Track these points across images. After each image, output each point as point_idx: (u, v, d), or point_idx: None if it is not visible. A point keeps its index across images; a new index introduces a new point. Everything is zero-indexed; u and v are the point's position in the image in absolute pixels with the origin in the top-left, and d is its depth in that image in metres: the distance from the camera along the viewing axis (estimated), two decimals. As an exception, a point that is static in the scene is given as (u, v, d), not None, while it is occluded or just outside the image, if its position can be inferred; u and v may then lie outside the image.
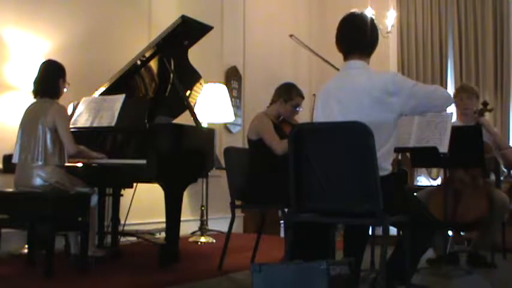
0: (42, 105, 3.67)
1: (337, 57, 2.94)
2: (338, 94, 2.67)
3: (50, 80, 3.74)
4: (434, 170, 6.80)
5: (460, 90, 4.28)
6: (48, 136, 3.58)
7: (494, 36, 6.92)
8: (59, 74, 3.76)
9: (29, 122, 3.66)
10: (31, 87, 3.80)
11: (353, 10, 2.79)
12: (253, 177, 3.73)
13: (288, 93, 3.91)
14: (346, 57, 2.76)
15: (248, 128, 3.99)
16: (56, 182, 3.57)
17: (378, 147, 2.42)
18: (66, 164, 3.69)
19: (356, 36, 2.73)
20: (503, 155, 4.13)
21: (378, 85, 2.58)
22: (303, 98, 3.98)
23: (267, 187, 3.60)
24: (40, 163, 3.56)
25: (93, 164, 3.80)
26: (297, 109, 3.95)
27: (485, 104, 4.15)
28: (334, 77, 2.83)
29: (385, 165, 2.59)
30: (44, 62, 3.85)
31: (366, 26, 2.73)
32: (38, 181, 3.56)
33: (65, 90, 3.84)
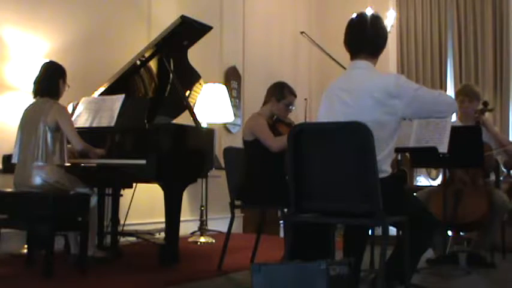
0: (42, 105, 3.67)
1: (338, 57, 2.94)
2: (341, 94, 2.67)
3: (51, 80, 3.74)
4: (433, 170, 6.80)
5: (461, 93, 4.24)
6: (49, 135, 3.58)
7: (494, 36, 6.92)
8: (60, 75, 3.77)
9: (29, 121, 3.66)
10: (31, 87, 3.80)
11: (361, 11, 2.80)
12: (252, 177, 3.73)
13: (280, 92, 3.91)
14: (353, 57, 2.76)
15: (242, 129, 3.98)
16: (55, 182, 3.58)
17: (379, 150, 2.41)
18: (66, 164, 3.69)
19: (361, 37, 2.73)
20: (507, 151, 4.12)
21: (379, 86, 2.57)
22: (295, 96, 3.97)
23: (265, 187, 3.60)
24: (40, 163, 3.56)
25: (93, 164, 3.80)
26: (290, 107, 3.95)
27: (485, 103, 4.14)
28: (339, 77, 2.82)
29: (385, 167, 2.59)
30: (45, 63, 3.86)
31: (372, 26, 2.73)
32: (37, 181, 3.56)
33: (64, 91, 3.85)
